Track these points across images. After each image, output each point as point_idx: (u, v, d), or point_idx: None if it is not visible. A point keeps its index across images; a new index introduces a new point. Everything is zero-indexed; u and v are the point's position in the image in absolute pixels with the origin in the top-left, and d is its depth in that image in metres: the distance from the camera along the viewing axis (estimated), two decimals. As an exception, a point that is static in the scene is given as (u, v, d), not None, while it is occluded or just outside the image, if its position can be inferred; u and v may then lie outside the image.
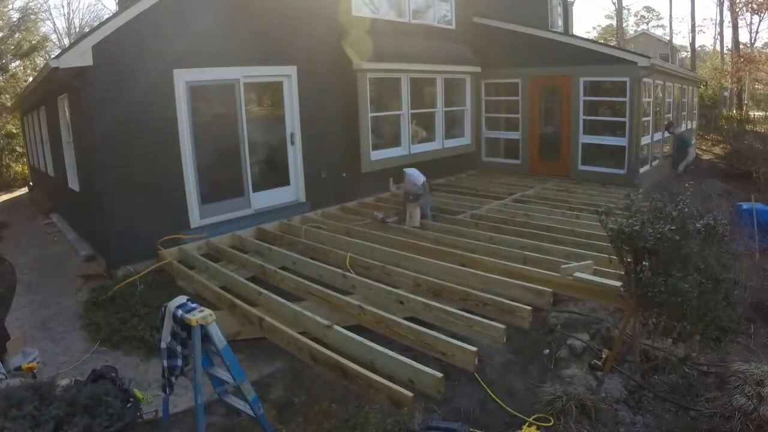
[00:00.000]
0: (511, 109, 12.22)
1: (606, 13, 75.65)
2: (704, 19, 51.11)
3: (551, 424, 3.89)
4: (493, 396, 4.25)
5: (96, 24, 18.78)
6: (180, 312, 3.44)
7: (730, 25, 26.25)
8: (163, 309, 3.61)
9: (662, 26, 47.09)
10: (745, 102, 26.67)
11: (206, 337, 3.43)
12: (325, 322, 4.74)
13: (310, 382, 4.52)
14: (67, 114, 8.12)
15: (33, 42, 21.58)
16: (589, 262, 5.78)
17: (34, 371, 4.64)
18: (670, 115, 13.41)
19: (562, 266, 5.57)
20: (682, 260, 4.08)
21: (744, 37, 42.44)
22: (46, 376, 4.34)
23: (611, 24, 43.52)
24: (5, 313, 6.20)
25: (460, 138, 11.96)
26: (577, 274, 5.40)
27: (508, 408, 4.13)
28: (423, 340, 4.50)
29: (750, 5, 23.78)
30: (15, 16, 21.29)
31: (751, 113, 25.39)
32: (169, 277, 6.62)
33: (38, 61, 21.62)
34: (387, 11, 10.50)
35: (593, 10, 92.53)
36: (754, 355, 4.91)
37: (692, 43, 30.77)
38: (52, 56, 9.22)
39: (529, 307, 4.89)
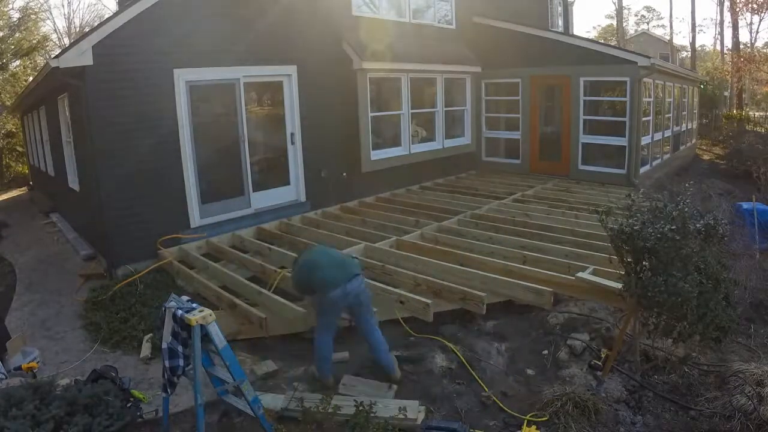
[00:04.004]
0: (511, 108, 12.20)
1: (606, 12, 75.79)
2: (704, 19, 51.29)
3: (546, 418, 3.90)
4: (493, 396, 4.25)
5: (96, 24, 18.80)
6: (180, 312, 3.45)
7: (731, 25, 26.28)
8: (163, 309, 3.61)
9: (662, 26, 47.15)
10: (745, 102, 26.65)
11: (206, 337, 3.43)
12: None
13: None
14: (67, 113, 8.12)
15: (33, 42, 21.57)
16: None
17: (34, 371, 4.64)
18: None
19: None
20: (682, 260, 4.08)
21: (744, 37, 42.49)
22: (46, 376, 4.33)
23: (611, 24, 43.56)
24: (5, 313, 6.19)
25: (460, 138, 11.95)
26: (579, 274, 5.40)
27: (506, 408, 4.13)
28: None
29: (750, 5, 23.76)
30: (15, 15, 21.31)
31: (752, 113, 25.38)
32: (169, 277, 6.62)
33: (38, 61, 21.63)
34: (387, 11, 10.49)
35: (593, 9, 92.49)
36: (754, 355, 4.92)
37: (692, 43, 30.83)
38: (53, 56, 9.22)
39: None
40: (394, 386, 4.31)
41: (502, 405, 4.16)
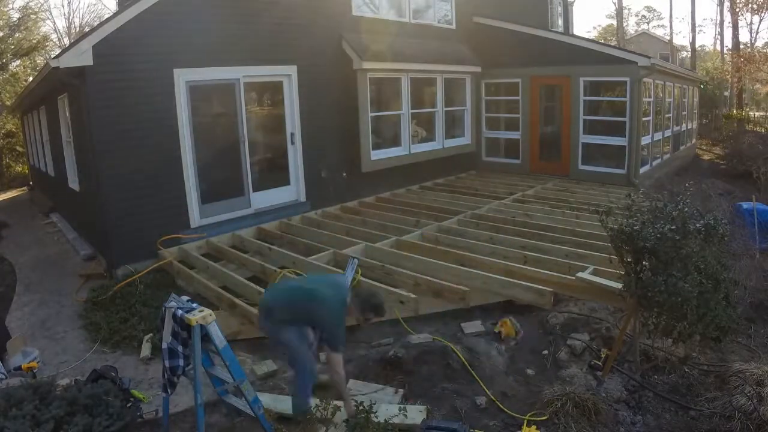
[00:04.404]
0: (511, 108, 12.21)
1: (606, 12, 75.79)
2: (704, 19, 51.19)
3: (546, 418, 3.90)
4: (493, 397, 4.25)
5: (96, 24, 18.80)
6: (180, 312, 3.45)
7: (731, 25, 26.26)
8: (163, 309, 3.61)
9: (663, 26, 47.15)
10: (745, 102, 26.64)
11: (206, 337, 3.43)
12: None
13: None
14: (67, 113, 8.12)
15: (33, 42, 21.59)
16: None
17: (34, 371, 4.64)
18: None
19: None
20: (682, 260, 4.08)
21: (744, 37, 42.47)
22: (46, 376, 4.34)
23: (612, 24, 43.52)
24: (5, 313, 6.20)
25: (460, 138, 11.95)
26: (580, 274, 5.40)
27: (506, 408, 4.13)
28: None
29: (750, 5, 23.73)
30: (15, 15, 21.33)
31: (752, 113, 25.36)
32: (169, 277, 6.62)
33: (38, 61, 21.64)
34: (387, 11, 10.48)
35: (593, 9, 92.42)
36: (754, 355, 4.92)
37: (692, 43, 30.75)
38: (53, 56, 9.22)
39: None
40: (401, 390, 4.30)
41: (501, 405, 4.16)
